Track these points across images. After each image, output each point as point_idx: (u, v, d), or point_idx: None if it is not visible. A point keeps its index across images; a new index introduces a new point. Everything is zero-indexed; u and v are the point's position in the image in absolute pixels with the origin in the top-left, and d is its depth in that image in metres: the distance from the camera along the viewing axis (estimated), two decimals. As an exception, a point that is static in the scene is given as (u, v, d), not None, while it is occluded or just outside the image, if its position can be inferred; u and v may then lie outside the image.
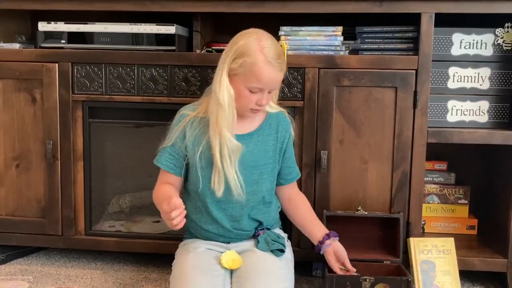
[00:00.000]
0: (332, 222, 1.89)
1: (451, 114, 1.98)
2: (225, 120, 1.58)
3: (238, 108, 1.60)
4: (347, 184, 1.95)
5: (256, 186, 1.67)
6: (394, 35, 1.94)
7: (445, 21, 1.89)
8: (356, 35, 1.98)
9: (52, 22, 2.02)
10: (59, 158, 2.03)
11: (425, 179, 2.02)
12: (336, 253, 1.72)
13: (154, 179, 1.71)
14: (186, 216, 1.52)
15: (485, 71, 1.95)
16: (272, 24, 1.82)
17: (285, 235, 1.76)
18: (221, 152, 1.59)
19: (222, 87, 1.57)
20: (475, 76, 1.96)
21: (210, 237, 1.68)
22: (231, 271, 1.63)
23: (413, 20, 1.90)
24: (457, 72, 1.96)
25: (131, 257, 2.18)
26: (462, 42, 1.95)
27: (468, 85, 1.97)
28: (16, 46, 2.07)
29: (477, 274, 2.02)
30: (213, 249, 1.68)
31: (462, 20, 1.94)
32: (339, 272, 1.72)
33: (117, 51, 1.98)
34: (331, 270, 1.78)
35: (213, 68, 1.65)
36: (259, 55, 1.54)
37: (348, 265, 1.73)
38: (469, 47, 1.95)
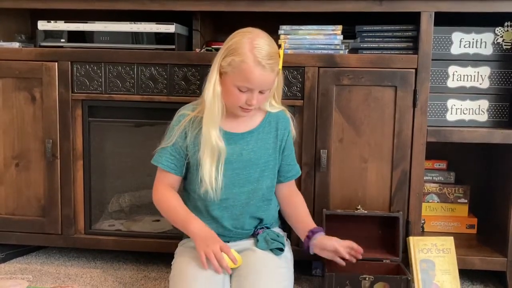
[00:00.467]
0: (331, 221, 1.89)
1: (451, 113, 1.98)
2: (207, 117, 1.60)
3: (228, 106, 1.62)
4: (346, 183, 1.95)
5: (257, 184, 1.67)
6: (394, 34, 1.94)
7: (445, 20, 1.89)
8: (356, 34, 1.98)
9: (51, 21, 2.02)
10: (58, 157, 2.03)
11: (424, 178, 2.02)
12: (323, 247, 1.66)
13: (154, 178, 1.71)
14: None
15: (485, 70, 1.95)
16: (271, 23, 1.83)
17: (284, 234, 1.76)
18: (205, 148, 1.60)
19: (209, 84, 1.60)
20: (474, 75, 1.96)
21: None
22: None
23: (413, 19, 1.90)
24: (456, 71, 1.96)
25: (130, 256, 2.18)
26: (461, 41, 1.94)
27: (467, 84, 1.96)
28: (16, 45, 2.06)
29: (477, 273, 2.01)
30: (212, 248, 1.68)
31: (461, 19, 1.94)
32: (341, 261, 1.65)
33: (116, 50, 1.98)
34: (331, 269, 1.78)
35: (213, 67, 1.65)
36: (248, 54, 1.53)
37: (350, 246, 1.65)
38: (469, 46, 1.95)
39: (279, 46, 1.92)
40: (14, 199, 2.08)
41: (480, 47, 1.94)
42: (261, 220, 1.71)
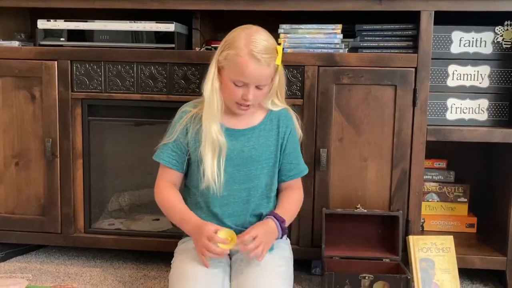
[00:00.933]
0: (331, 220, 1.89)
1: (451, 112, 1.98)
2: (206, 112, 1.61)
3: (226, 102, 1.63)
4: (346, 182, 1.95)
5: (258, 181, 1.67)
6: (394, 33, 1.93)
7: (445, 19, 1.89)
8: (356, 33, 1.98)
9: (51, 20, 2.02)
10: (58, 156, 2.03)
11: (424, 177, 2.02)
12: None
13: (154, 177, 1.71)
14: None
15: (485, 69, 1.95)
16: (271, 22, 1.82)
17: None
18: (206, 143, 1.60)
19: (208, 79, 1.61)
20: (474, 74, 1.96)
21: (209, 235, 1.68)
22: (230, 270, 1.63)
23: (413, 18, 1.90)
24: (456, 70, 1.96)
25: (130, 255, 2.18)
26: (461, 40, 1.94)
27: (467, 83, 1.96)
28: (16, 44, 2.06)
29: (476, 272, 2.02)
30: (212, 247, 1.68)
31: (461, 18, 1.94)
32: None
33: (116, 49, 1.98)
34: (330, 268, 1.78)
35: (212, 66, 1.65)
36: (243, 48, 1.54)
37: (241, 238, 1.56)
38: (469, 45, 1.94)
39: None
40: (14, 198, 2.08)
41: (480, 46, 1.94)
42: (261, 218, 1.70)
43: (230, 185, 1.65)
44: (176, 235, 1.90)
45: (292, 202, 1.72)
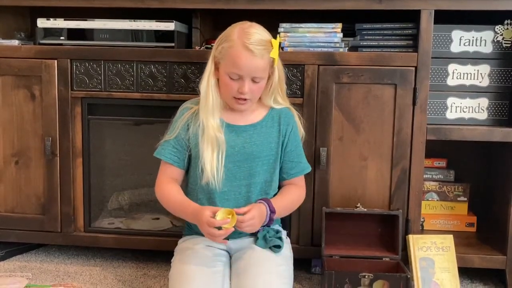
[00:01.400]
0: (331, 219, 1.89)
1: (451, 111, 1.98)
2: (202, 107, 1.63)
3: (224, 98, 1.65)
4: (346, 181, 1.95)
5: (258, 177, 1.67)
6: (394, 32, 1.93)
7: (445, 18, 1.89)
8: (356, 32, 1.98)
9: (51, 19, 2.02)
10: (58, 154, 2.03)
11: (424, 176, 2.02)
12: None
13: (154, 176, 1.71)
14: None
15: (485, 68, 1.95)
16: (271, 21, 1.82)
17: (284, 232, 1.76)
18: (204, 138, 1.62)
19: (204, 75, 1.64)
20: (474, 73, 1.96)
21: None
22: (230, 269, 1.63)
23: (413, 17, 1.89)
24: (456, 69, 1.96)
25: (130, 254, 2.18)
26: (461, 39, 1.94)
27: (467, 82, 1.96)
28: (15, 42, 2.06)
29: (476, 271, 2.02)
30: (212, 246, 1.67)
31: (461, 17, 1.94)
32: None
33: (116, 48, 1.98)
34: (330, 267, 1.78)
35: (213, 64, 1.65)
36: (236, 40, 1.56)
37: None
38: (469, 44, 1.94)
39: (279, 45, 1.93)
40: (14, 197, 2.08)
41: (480, 45, 1.94)
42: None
43: (230, 181, 1.65)
44: (176, 234, 1.91)
45: (288, 197, 1.72)
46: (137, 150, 2.17)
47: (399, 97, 1.89)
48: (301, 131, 1.76)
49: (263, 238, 1.65)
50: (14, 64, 2.01)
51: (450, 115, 1.98)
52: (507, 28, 1.92)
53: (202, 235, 1.70)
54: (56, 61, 1.99)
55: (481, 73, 1.96)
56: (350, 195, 1.96)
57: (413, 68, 1.88)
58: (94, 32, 2.01)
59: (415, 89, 1.88)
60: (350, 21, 2.00)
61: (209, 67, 1.64)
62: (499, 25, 1.92)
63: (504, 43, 1.93)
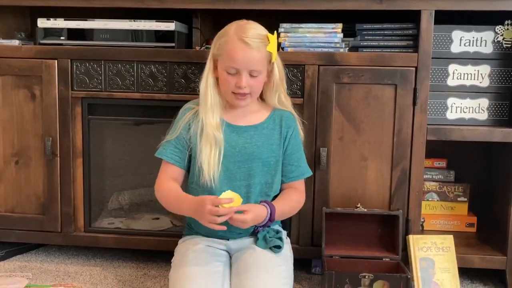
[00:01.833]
0: (331, 219, 1.89)
1: (451, 112, 1.98)
2: (201, 106, 1.65)
3: (224, 95, 1.66)
4: (346, 181, 1.95)
5: (258, 178, 1.67)
6: (394, 32, 1.93)
7: (445, 18, 1.89)
8: (356, 32, 1.98)
9: (51, 19, 2.02)
10: (58, 154, 2.03)
11: (424, 176, 2.02)
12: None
13: (154, 176, 1.71)
14: None
15: (485, 69, 1.95)
16: (271, 21, 1.82)
17: (284, 232, 1.76)
18: (203, 137, 1.62)
19: (203, 74, 1.66)
20: (474, 74, 1.96)
21: (210, 232, 1.68)
22: (230, 269, 1.63)
23: (413, 17, 1.89)
24: (456, 70, 1.96)
25: (130, 254, 2.18)
26: (462, 39, 1.94)
27: (467, 82, 1.96)
28: (16, 42, 2.06)
29: (476, 271, 2.01)
30: (212, 246, 1.68)
31: (462, 17, 1.94)
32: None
33: (116, 48, 1.98)
34: (330, 267, 1.78)
35: (213, 65, 1.66)
36: (232, 35, 1.58)
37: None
38: (469, 45, 1.94)
39: (279, 45, 1.92)
40: (14, 197, 2.08)
41: (480, 46, 1.94)
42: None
43: (230, 181, 1.65)
44: (176, 234, 1.91)
45: (287, 202, 1.71)
46: (137, 150, 2.17)
47: (400, 97, 1.89)
48: (301, 134, 1.76)
49: (263, 238, 1.65)
50: (15, 64, 2.01)
51: (451, 115, 1.98)
52: (508, 29, 1.92)
53: (202, 235, 1.71)
54: (56, 61, 1.99)
55: (481, 74, 1.96)
56: (350, 195, 1.96)
57: (414, 69, 1.88)
58: (94, 32, 2.01)
59: (415, 90, 1.88)
60: (350, 22, 2.00)
61: (208, 66, 1.66)
62: (500, 26, 1.92)
63: (505, 44, 1.93)
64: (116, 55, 1.97)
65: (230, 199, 1.49)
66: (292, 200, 1.72)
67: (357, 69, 1.89)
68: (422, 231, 2.08)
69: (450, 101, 1.97)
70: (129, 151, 2.20)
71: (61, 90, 2.00)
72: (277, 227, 1.77)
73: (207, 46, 2.04)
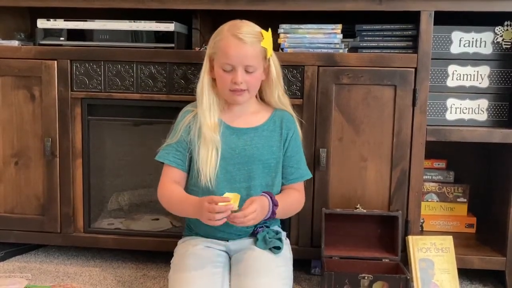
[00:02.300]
0: (330, 220, 1.89)
1: (450, 112, 1.98)
2: (199, 107, 1.65)
3: (222, 94, 1.66)
4: (346, 182, 1.95)
5: (258, 180, 1.67)
6: (394, 33, 1.93)
7: (445, 19, 1.89)
8: (356, 33, 1.98)
9: (51, 19, 2.02)
10: (58, 155, 2.03)
11: (424, 177, 2.02)
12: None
13: (153, 177, 1.71)
14: None
15: (485, 70, 1.95)
16: (271, 21, 1.82)
17: (283, 233, 1.76)
18: (201, 137, 1.63)
19: (200, 75, 1.66)
20: (474, 74, 1.96)
21: (210, 233, 1.68)
22: (230, 270, 1.63)
23: (413, 18, 1.90)
24: (456, 70, 1.96)
25: (130, 255, 2.18)
26: (461, 40, 1.94)
27: (467, 83, 1.96)
28: (15, 43, 2.06)
29: (476, 272, 2.01)
30: (211, 247, 1.68)
31: (461, 18, 1.94)
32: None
33: (116, 49, 1.98)
34: (330, 268, 1.78)
35: (212, 65, 1.66)
36: (226, 32, 1.60)
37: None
38: (469, 45, 1.94)
39: (278, 46, 1.93)
40: (13, 197, 2.08)
41: (480, 47, 1.94)
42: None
43: (230, 183, 1.65)
44: (175, 234, 1.91)
45: (288, 199, 1.70)
46: (136, 150, 2.17)
47: (399, 98, 1.90)
48: (296, 133, 1.76)
49: (263, 239, 1.65)
50: (14, 65, 2.01)
51: (450, 116, 1.98)
52: (507, 29, 1.92)
53: (201, 236, 1.71)
54: (56, 61, 1.99)
55: (481, 74, 1.96)
56: (350, 196, 1.96)
57: (413, 69, 1.88)
58: (94, 32, 2.01)
59: (415, 90, 1.88)
60: (350, 22, 2.00)
61: (204, 66, 1.66)
62: (499, 26, 1.92)
63: (504, 44, 1.93)
64: (116, 55, 1.97)
65: (227, 198, 1.49)
66: (292, 198, 1.72)
67: (356, 70, 1.90)
68: (421, 232, 2.08)
69: (450, 102, 1.97)
70: (129, 152, 2.20)
71: (60, 90, 2.00)
72: (277, 227, 1.77)
73: (206, 47, 2.04)
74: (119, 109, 2.03)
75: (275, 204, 1.60)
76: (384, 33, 1.94)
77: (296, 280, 1.90)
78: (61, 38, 2.02)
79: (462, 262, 1.91)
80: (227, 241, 1.69)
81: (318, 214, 1.92)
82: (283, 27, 1.95)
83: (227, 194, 1.51)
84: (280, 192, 1.74)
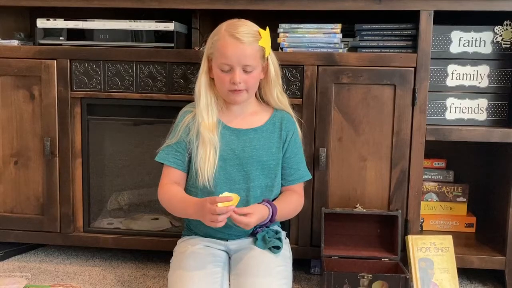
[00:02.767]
0: (330, 219, 1.89)
1: (450, 112, 1.98)
2: (197, 107, 1.65)
3: (221, 94, 1.66)
4: (345, 181, 1.95)
5: (257, 181, 1.67)
6: (393, 32, 1.93)
7: (444, 18, 1.89)
8: (355, 32, 1.98)
9: (50, 19, 2.02)
10: (57, 155, 2.03)
11: (423, 177, 2.02)
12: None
13: (153, 177, 1.71)
14: None
15: (484, 69, 1.95)
16: (271, 21, 1.82)
17: (283, 232, 1.76)
18: (199, 138, 1.63)
19: (199, 75, 1.67)
20: (473, 74, 1.96)
21: (209, 233, 1.68)
22: (230, 270, 1.63)
23: (412, 17, 1.90)
24: (455, 70, 1.96)
25: (129, 254, 2.18)
26: (461, 39, 1.94)
27: (466, 83, 1.96)
28: (15, 42, 2.06)
29: (475, 271, 2.02)
30: (211, 246, 1.68)
31: (461, 17, 1.94)
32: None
33: (115, 48, 1.98)
34: (329, 267, 1.78)
35: (212, 65, 1.66)
36: (223, 32, 1.60)
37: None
38: (468, 45, 1.94)
39: (278, 46, 1.93)
40: (13, 197, 2.08)
41: (479, 46, 1.94)
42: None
43: (229, 185, 1.65)
44: (175, 234, 1.91)
45: (288, 203, 1.70)
46: (136, 150, 2.17)
47: (399, 97, 1.90)
48: (300, 135, 1.76)
49: (263, 239, 1.65)
50: (14, 64, 2.01)
51: (450, 115, 1.98)
52: (506, 29, 1.92)
53: (201, 235, 1.71)
54: (55, 61, 1.99)
55: (480, 74, 1.96)
56: (350, 195, 1.96)
57: (413, 69, 1.88)
58: (93, 32, 2.01)
59: (414, 90, 1.88)
60: (349, 22, 2.00)
61: (202, 66, 1.66)
62: (499, 26, 1.92)
63: (504, 44, 1.93)
64: (115, 55, 1.97)
65: (227, 197, 1.48)
66: (292, 202, 1.72)
67: (356, 69, 1.90)
68: (421, 232, 2.08)
69: (449, 101, 1.97)
70: (128, 152, 2.20)
71: (60, 90, 2.00)
72: (276, 227, 1.77)
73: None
74: (118, 109, 2.02)
75: (273, 215, 1.60)
76: (384, 32, 1.94)
77: (295, 279, 1.90)
78: (61, 38, 2.02)
79: (462, 261, 1.91)
80: (227, 240, 1.69)
81: (318, 214, 1.92)
82: (282, 27, 1.95)
83: (226, 194, 1.51)
84: (280, 193, 1.74)
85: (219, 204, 1.45)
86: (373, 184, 1.95)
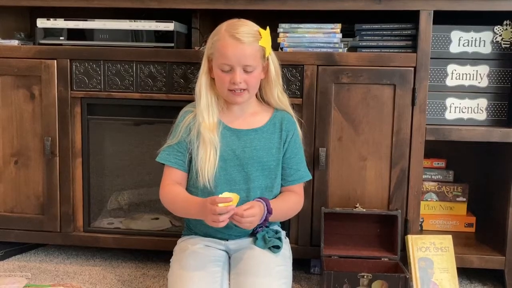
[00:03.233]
0: (330, 219, 1.89)
1: (450, 112, 1.98)
2: (198, 107, 1.65)
3: (221, 94, 1.66)
4: (345, 181, 1.95)
5: (258, 182, 1.67)
6: (393, 32, 1.94)
7: (444, 18, 1.89)
8: (355, 32, 1.98)
9: (51, 19, 2.02)
10: (57, 154, 2.03)
11: (423, 176, 2.02)
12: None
13: (153, 176, 1.72)
14: None
15: (484, 69, 1.95)
16: (271, 21, 1.82)
17: (283, 232, 1.76)
18: (200, 138, 1.62)
19: (199, 76, 1.66)
20: (473, 74, 1.96)
21: (209, 233, 1.68)
22: (229, 270, 1.63)
23: (412, 17, 1.90)
24: (455, 70, 1.96)
25: (129, 254, 2.19)
26: (460, 39, 1.95)
27: (466, 82, 1.97)
28: (15, 42, 2.06)
29: (475, 271, 2.02)
30: (211, 246, 1.68)
31: (460, 17, 1.94)
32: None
33: (115, 48, 1.98)
34: (329, 267, 1.78)
35: (212, 65, 1.66)
36: (223, 32, 1.60)
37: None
38: (468, 45, 1.95)
39: (278, 46, 1.93)
40: (13, 197, 2.08)
41: (479, 46, 1.95)
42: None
43: (230, 185, 1.65)
44: (175, 234, 1.91)
45: (286, 203, 1.70)
46: (136, 150, 2.17)
47: (398, 97, 1.90)
48: (300, 135, 1.76)
49: (262, 238, 1.65)
50: (14, 64, 2.01)
51: (449, 115, 1.98)
52: (506, 29, 1.92)
53: (201, 235, 1.71)
54: (55, 61, 2.00)
55: (480, 74, 1.96)
56: (349, 195, 1.96)
57: (412, 69, 1.88)
58: (93, 32, 2.01)
59: (414, 90, 1.89)
60: (349, 22, 2.00)
61: (202, 67, 1.66)
62: (498, 26, 1.92)
63: (503, 44, 1.93)
64: (116, 55, 1.97)
65: (227, 198, 1.48)
66: (290, 202, 1.72)
67: (356, 69, 1.90)
68: (421, 231, 2.08)
69: (449, 101, 1.98)
70: (129, 151, 2.20)
71: (60, 90, 2.00)
72: (276, 227, 1.77)
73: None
74: (118, 109, 2.03)
75: (269, 212, 1.59)
76: (384, 32, 1.94)
77: (295, 279, 1.90)
78: (61, 38, 2.02)
79: (462, 261, 1.91)
80: (227, 240, 1.69)
81: (318, 214, 1.92)
82: (282, 27, 1.96)
83: (226, 194, 1.51)
84: (280, 193, 1.74)
85: (220, 204, 1.45)
86: (373, 183, 1.95)
